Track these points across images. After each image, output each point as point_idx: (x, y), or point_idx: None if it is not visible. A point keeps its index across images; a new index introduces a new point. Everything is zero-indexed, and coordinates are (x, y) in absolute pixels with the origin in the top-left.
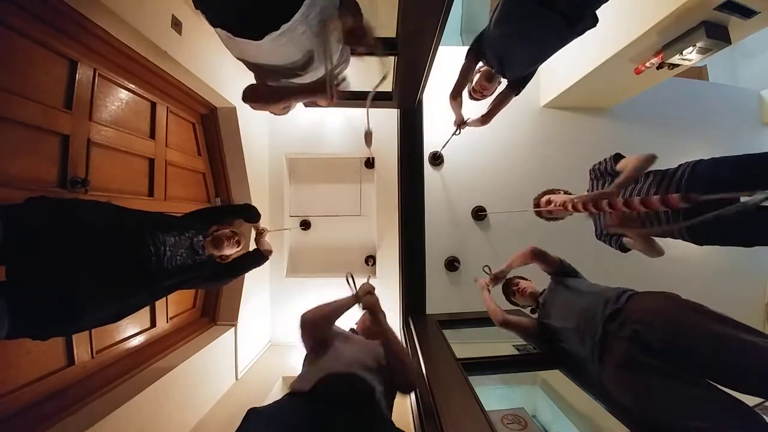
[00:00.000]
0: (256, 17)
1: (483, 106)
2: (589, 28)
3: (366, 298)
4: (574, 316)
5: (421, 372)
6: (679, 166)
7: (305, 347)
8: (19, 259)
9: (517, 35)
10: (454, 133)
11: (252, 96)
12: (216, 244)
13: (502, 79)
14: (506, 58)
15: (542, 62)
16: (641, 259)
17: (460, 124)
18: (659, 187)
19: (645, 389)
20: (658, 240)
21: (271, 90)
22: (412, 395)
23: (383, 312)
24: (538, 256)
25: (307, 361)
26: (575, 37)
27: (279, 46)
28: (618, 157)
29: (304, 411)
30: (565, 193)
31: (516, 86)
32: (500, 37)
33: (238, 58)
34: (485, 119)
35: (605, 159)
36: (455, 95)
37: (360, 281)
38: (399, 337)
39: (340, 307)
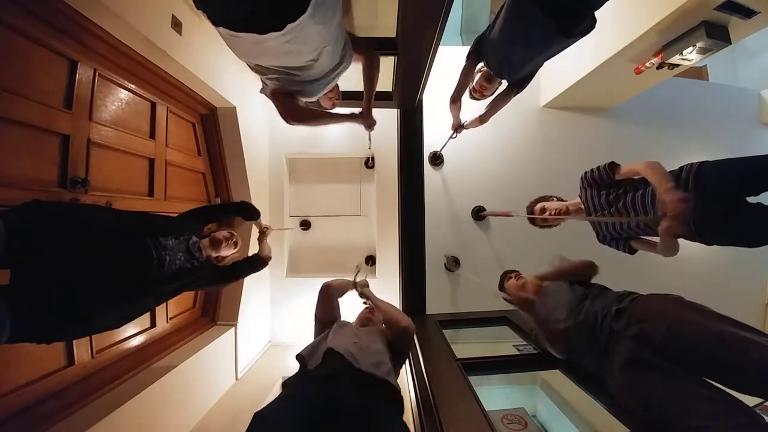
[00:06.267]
0: (259, 13)
1: (483, 104)
2: (589, 32)
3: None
4: (575, 316)
5: (421, 372)
6: (681, 168)
7: (317, 310)
8: (22, 263)
9: (518, 40)
10: (451, 137)
11: (294, 117)
12: (214, 246)
13: (502, 80)
14: (507, 61)
15: (543, 63)
16: (640, 261)
17: (458, 127)
18: None
19: (647, 388)
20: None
21: (311, 113)
22: (413, 395)
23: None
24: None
25: (316, 332)
26: (576, 41)
27: (283, 44)
28: (613, 165)
29: (304, 400)
30: (558, 199)
31: (517, 85)
32: (501, 41)
33: (242, 59)
34: (484, 118)
35: (599, 167)
36: (455, 99)
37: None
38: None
39: (346, 285)
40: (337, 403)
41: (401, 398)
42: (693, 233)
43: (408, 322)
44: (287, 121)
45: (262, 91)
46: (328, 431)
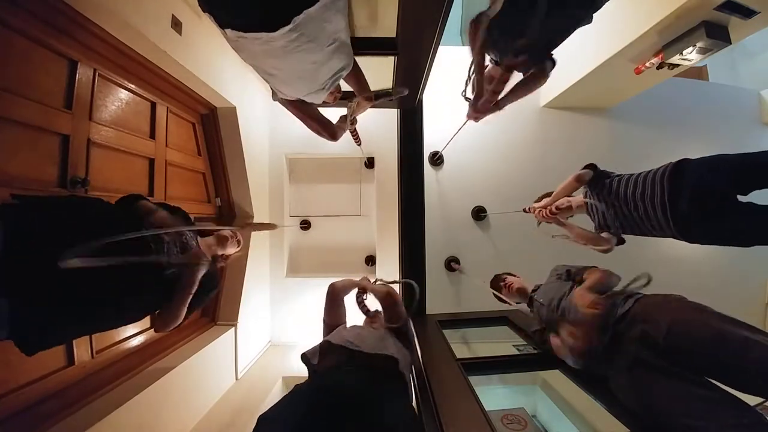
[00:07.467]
0: (266, 12)
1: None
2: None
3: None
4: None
5: (421, 372)
6: (668, 164)
7: (325, 312)
8: (21, 262)
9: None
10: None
11: (331, 131)
12: (221, 243)
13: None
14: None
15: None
16: (640, 261)
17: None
18: (644, 185)
19: (650, 388)
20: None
21: (339, 124)
22: (413, 395)
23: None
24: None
25: (324, 334)
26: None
27: (290, 42)
28: (592, 166)
29: (306, 402)
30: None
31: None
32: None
33: (248, 63)
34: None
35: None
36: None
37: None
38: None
39: (351, 285)
40: (339, 390)
41: (402, 374)
42: (673, 232)
43: (390, 288)
44: (331, 139)
45: (275, 98)
46: (332, 419)
